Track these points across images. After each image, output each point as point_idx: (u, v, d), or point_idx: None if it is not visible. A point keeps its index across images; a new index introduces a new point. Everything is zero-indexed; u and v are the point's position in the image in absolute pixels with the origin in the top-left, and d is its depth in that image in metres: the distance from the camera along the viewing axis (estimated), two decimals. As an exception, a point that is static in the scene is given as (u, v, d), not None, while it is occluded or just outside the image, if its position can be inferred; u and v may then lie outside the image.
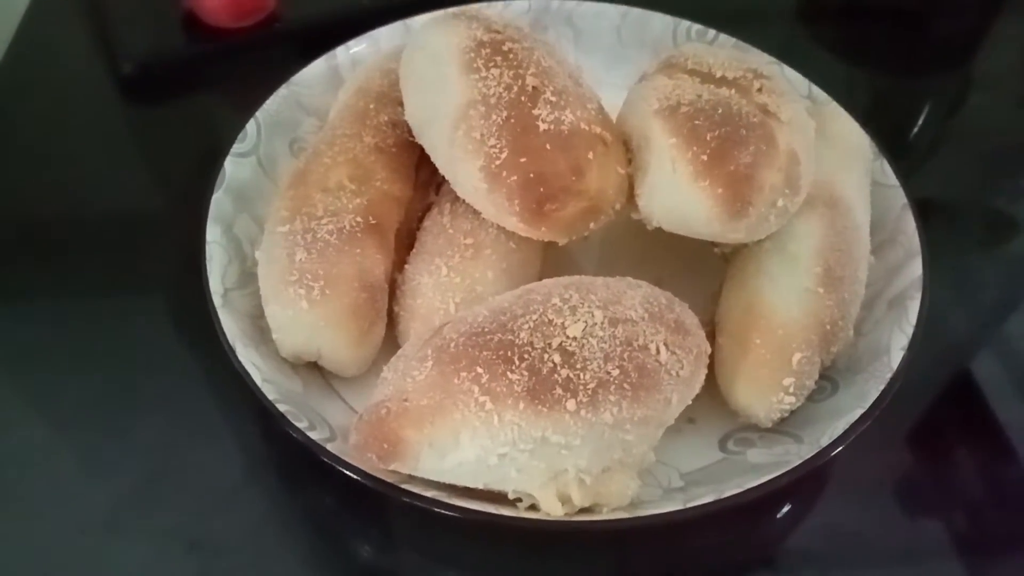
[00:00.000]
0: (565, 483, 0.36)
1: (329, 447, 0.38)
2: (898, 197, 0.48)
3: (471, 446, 0.35)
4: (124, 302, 0.51)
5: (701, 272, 0.46)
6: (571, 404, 0.34)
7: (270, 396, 0.40)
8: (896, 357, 0.41)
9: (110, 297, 0.51)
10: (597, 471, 0.36)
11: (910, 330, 0.42)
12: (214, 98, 0.64)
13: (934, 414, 0.47)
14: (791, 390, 0.40)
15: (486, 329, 0.36)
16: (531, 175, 0.40)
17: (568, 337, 0.36)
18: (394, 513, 0.42)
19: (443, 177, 0.48)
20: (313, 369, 0.45)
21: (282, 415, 0.39)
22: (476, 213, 0.44)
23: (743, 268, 0.43)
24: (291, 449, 0.44)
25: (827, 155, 0.45)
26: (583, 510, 0.37)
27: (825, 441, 0.38)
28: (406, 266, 0.46)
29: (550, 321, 0.36)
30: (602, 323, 0.36)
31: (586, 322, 0.36)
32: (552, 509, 0.36)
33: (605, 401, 0.35)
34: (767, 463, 0.39)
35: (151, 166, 0.59)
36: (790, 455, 0.39)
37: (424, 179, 0.49)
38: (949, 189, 0.59)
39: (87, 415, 0.46)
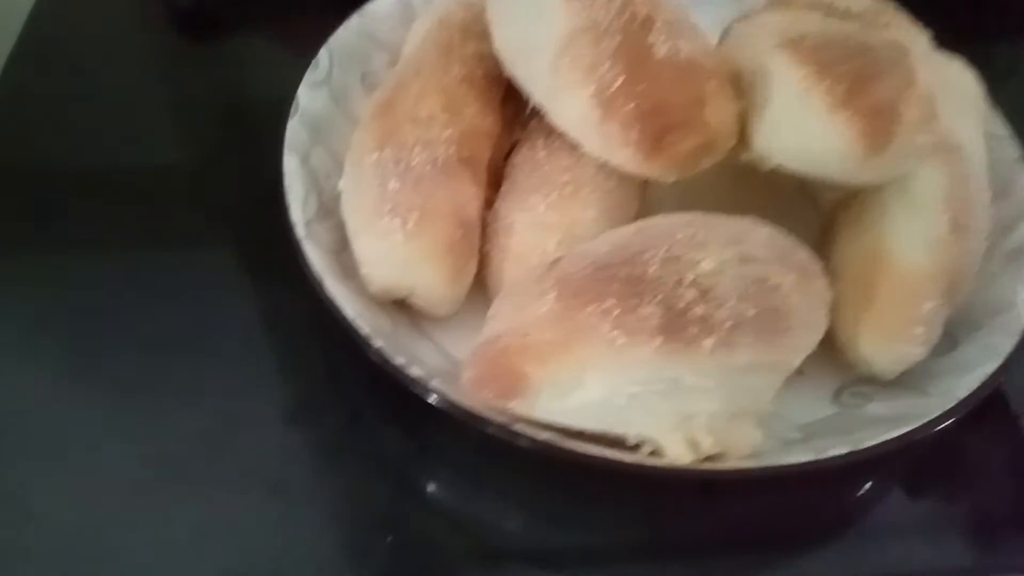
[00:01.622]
0: (695, 428, 0.33)
1: (431, 384, 0.36)
2: (1011, 148, 0.46)
3: (598, 385, 0.32)
4: (191, 244, 0.48)
5: (790, 222, 0.44)
6: (707, 343, 0.32)
7: (363, 331, 0.38)
8: (1025, 310, 0.39)
9: (175, 241, 0.48)
10: (726, 417, 0.34)
11: (1037, 283, 0.40)
12: (272, 36, 0.61)
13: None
14: (920, 340, 0.38)
15: (612, 262, 0.34)
16: (651, 104, 0.37)
17: (701, 272, 0.33)
18: (479, 457, 0.40)
19: (529, 115, 0.46)
20: (400, 308, 0.42)
21: (378, 351, 0.37)
22: (574, 149, 0.42)
23: (861, 215, 0.41)
24: (364, 388, 0.42)
25: (943, 102, 0.43)
26: (707, 459, 0.34)
27: (962, 394, 0.36)
28: (497, 204, 0.43)
29: (679, 256, 0.34)
30: (733, 260, 0.34)
31: (718, 258, 0.34)
32: (679, 456, 0.34)
33: (740, 342, 0.33)
34: (892, 416, 0.37)
35: (211, 104, 0.56)
36: (919, 408, 0.37)
37: (509, 116, 0.46)
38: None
39: (158, 359, 0.43)
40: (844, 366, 0.40)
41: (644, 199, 0.44)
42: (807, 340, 0.35)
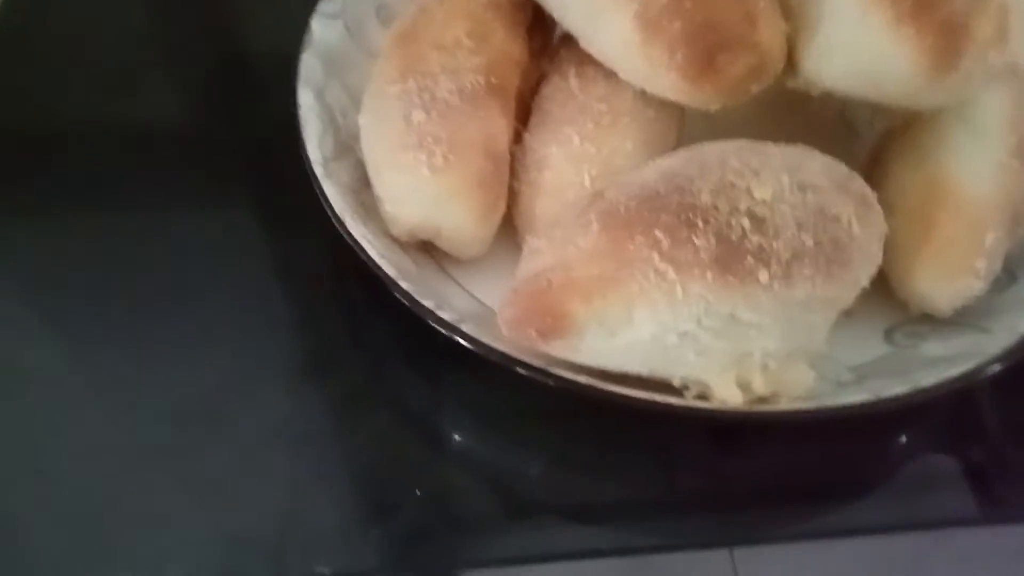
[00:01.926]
0: (748, 368, 0.31)
1: (463, 327, 0.34)
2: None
3: (648, 323, 0.30)
4: (200, 193, 0.46)
5: (835, 154, 0.42)
6: (764, 276, 0.30)
7: (390, 273, 0.35)
8: (1091, 242, 0.37)
9: (183, 191, 0.46)
10: (782, 356, 0.32)
11: (1102, 214, 0.38)
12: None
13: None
14: (981, 274, 0.35)
15: (660, 191, 0.31)
16: (699, 22, 0.34)
17: (757, 200, 0.31)
18: (509, 407, 0.38)
19: (558, 44, 0.43)
20: (422, 251, 0.40)
21: (406, 293, 0.35)
22: (609, 77, 0.39)
23: (917, 144, 0.38)
24: (388, 337, 0.40)
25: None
26: (758, 400, 0.33)
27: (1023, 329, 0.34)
28: (526, 136, 0.40)
29: (732, 184, 0.31)
30: (790, 187, 0.32)
31: (774, 186, 0.31)
32: (731, 397, 0.32)
33: (799, 275, 0.30)
34: (951, 355, 0.35)
35: (213, 45, 0.53)
36: (979, 346, 0.35)
37: (537, 45, 0.44)
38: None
39: (172, 311, 0.41)
40: (896, 305, 0.38)
41: (682, 132, 0.42)
42: (865, 274, 0.33)
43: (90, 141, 0.48)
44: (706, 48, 0.34)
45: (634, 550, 0.36)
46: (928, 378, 0.33)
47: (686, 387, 0.33)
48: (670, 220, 0.30)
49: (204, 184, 0.46)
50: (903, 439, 0.39)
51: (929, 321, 0.38)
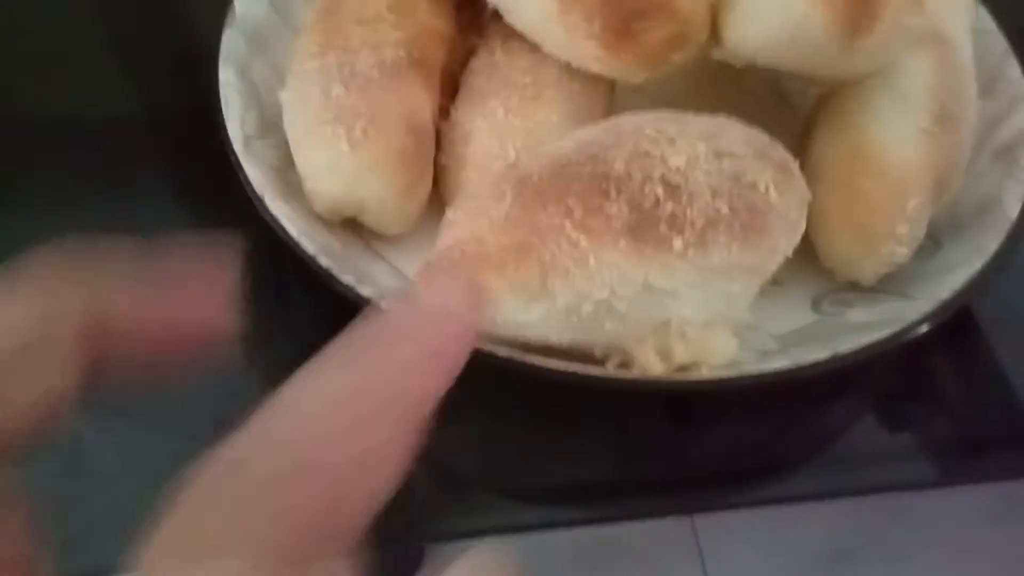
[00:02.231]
0: (665, 336, 0.31)
1: (382, 304, 0.33)
2: (997, 42, 0.43)
3: (562, 291, 0.30)
4: (130, 179, 0.44)
5: (764, 127, 0.41)
6: (678, 243, 0.30)
7: (308, 250, 0.35)
8: (1013, 206, 0.37)
9: (106, 173, 0.45)
10: (701, 325, 0.31)
11: (1026, 178, 0.38)
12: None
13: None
14: (904, 240, 0.35)
15: (574, 160, 0.31)
16: (615, -11, 0.34)
17: (671, 168, 0.30)
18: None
19: (487, 19, 0.43)
20: (349, 228, 0.39)
21: (325, 270, 0.34)
22: (535, 50, 0.38)
23: (841, 111, 0.38)
24: (316, 317, 0.40)
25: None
26: (679, 369, 0.32)
27: (946, 295, 0.34)
28: (452, 111, 0.40)
29: (647, 152, 0.31)
30: (706, 155, 0.31)
31: (688, 154, 0.31)
32: (651, 366, 0.31)
33: (714, 242, 0.30)
34: (873, 322, 0.35)
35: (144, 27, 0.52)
36: (901, 312, 0.35)
37: (465, 19, 0.43)
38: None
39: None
40: (823, 273, 0.38)
41: (610, 107, 0.42)
42: (785, 242, 0.33)
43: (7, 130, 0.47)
44: (623, 15, 0.34)
45: (596, 520, 0.35)
46: (847, 344, 0.33)
47: (607, 357, 0.32)
48: (582, 188, 0.30)
49: (127, 168, 0.45)
50: (857, 407, 0.40)
51: (856, 289, 0.38)
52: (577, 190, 0.30)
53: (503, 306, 0.31)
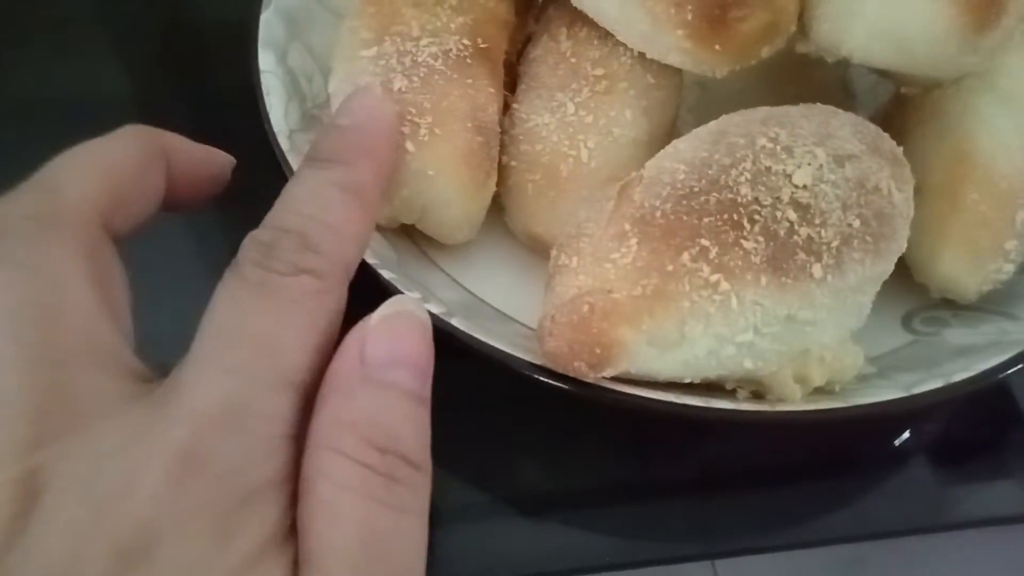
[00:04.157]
0: (804, 363, 0.29)
1: (454, 322, 0.30)
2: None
3: (703, 337, 0.27)
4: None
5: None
6: (817, 270, 0.27)
7: (369, 260, 0.31)
8: (1123, 219, 0.35)
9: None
10: (836, 344, 0.29)
11: None
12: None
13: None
14: (1012, 256, 0.33)
15: (696, 189, 0.28)
16: (711, -25, 0.31)
17: (797, 187, 0.28)
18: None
19: (546, 2, 0.39)
20: (403, 236, 0.36)
21: (389, 283, 0.31)
22: (605, 38, 0.35)
23: (941, 112, 0.35)
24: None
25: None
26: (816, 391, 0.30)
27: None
28: (514, 106, 0.36)
29: (769, 168, 0.28)
30: (828, 164, 0.29)
31: (812, 165, 0.28)
32: (790, 394, 0.29)
33: (850, 260, 0.28)
34: (979, 344, 0.33)
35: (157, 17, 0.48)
36: (1010, 334, 0.32)
37: (523, 3, 0.40)
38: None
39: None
40: (913, 288, 0.36)
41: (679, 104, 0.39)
42: (905, 237, 0.31)
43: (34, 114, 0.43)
44: (715, 4, 0.31)
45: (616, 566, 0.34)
46: (958, 371, 0.30)
47: (738, 388, 0.30)
48: (713, 223, 0.27)
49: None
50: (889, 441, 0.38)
51: (949, 307, 0.35)
52: (709, 226, 0.27)
53: (638, 358, 0.28)
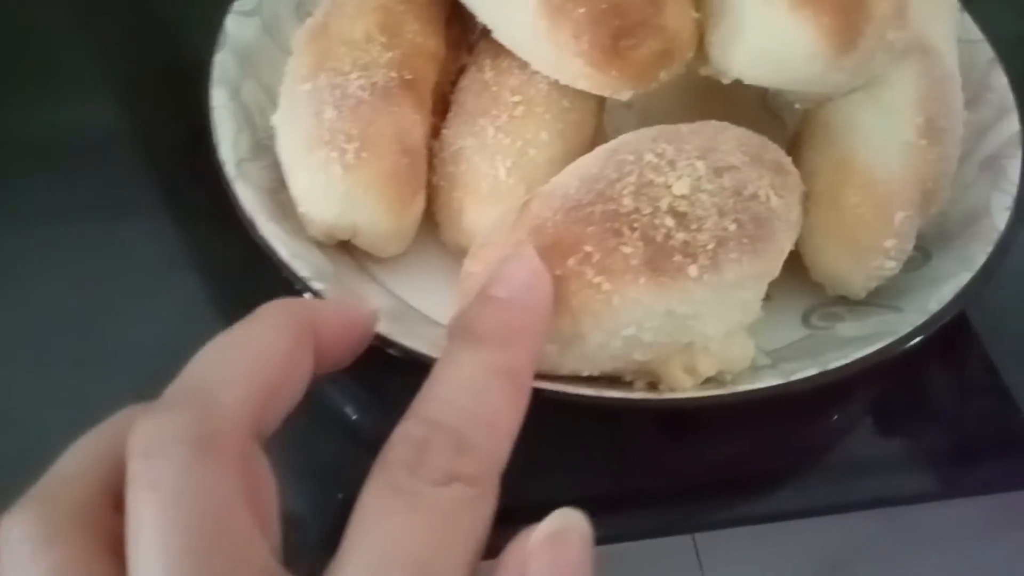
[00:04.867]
0: (691, 355, 0.32)
1: (379, 328, 0.33)
2: (983, 52, 0.44)
3: (592, 333, 0.30)
4: (117, 197, 0.45)
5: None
6: (693, 270, 0.30)
7: (301, 273, 0.35)
8: (1000, 218, 0.37)
9: (96, 195, 0.45)
10: (721, 337, 0.32)
11: (1012, 189, 0.38)
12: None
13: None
14: (892, 254, 0.36)
15: (583, 201, 0.31)
16: (604, 6, 0.34)
17: (676, 196, 0.31)
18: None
19: (477, 37, 0.43)
20: (342, 251, 0.39)
21: (318, 294, 0.34)
22: (524, 67, 0.39)
23: (827, 123, 0.38)
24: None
25: (914, 3, 0.40)
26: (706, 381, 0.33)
27: (934, 307, 0.35)
28: (443, 131, 0.40)
29: (651, 181, 0.31)
30: (707, 175, 0.32)
31: (690, 176, 0.31)
32: (679, 384, 0.32)
33: (726, 260, 0.31)
34: (864, 335, 0.35)
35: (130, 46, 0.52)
36: (891, 325, 0.35)
37: (455, 38, 0.43)
38: None
39: (87, 321, 0.40)
40: (813, 287, 0.39)
41: (600, 126, 0.42)
42: (788, 240, 0.34)
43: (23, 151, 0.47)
44: (610, 31, 0.34)
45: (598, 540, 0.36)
46: (837, 359, 0.33)
47: (635, 379, 0.33)
48: (596, 231, 0.30)
49: (116, 190, 0.45)
50: (852, 418, 0.40)
51: (845, 303, 0.38)
52: (592, 234, 0.30)
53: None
